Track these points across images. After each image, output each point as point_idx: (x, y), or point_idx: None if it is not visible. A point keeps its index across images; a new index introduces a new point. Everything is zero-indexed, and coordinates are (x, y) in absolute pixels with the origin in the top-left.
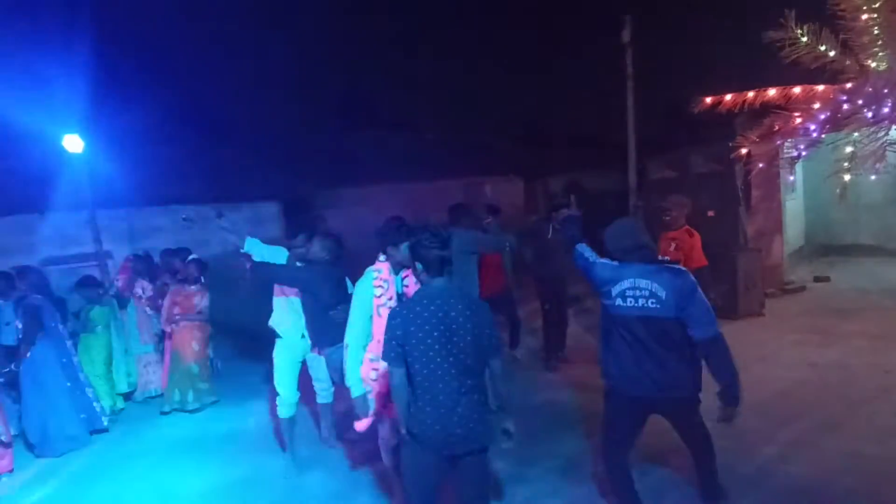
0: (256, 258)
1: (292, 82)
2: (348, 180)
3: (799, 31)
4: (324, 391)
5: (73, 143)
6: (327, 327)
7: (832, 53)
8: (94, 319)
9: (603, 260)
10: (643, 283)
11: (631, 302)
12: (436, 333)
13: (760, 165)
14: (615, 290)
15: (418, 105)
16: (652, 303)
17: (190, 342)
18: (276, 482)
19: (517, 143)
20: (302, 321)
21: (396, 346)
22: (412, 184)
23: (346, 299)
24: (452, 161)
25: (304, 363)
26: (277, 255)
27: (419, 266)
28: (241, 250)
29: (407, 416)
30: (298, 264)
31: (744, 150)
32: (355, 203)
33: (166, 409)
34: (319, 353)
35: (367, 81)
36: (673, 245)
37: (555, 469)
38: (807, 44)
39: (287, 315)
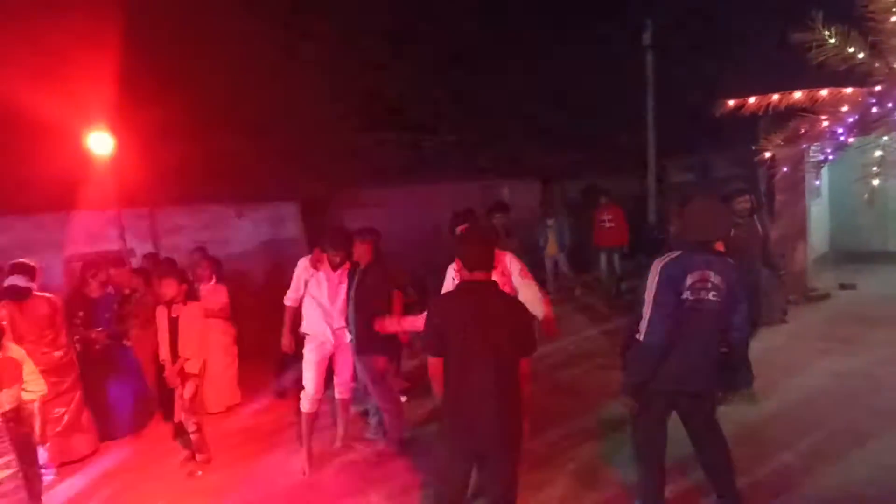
0: None
1: (313, 82)
2: (367, 181)
3: (826, 33)
4: (344, 385)
5: (101, 142)
6: (372, 334)
7: (861, 55)
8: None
9: (664, 263)
10: (710, 275)
11: (696, 295)
12: (471, 327)
13: (785, 169)
14: (685, 285)
15: (437, 107)
16: (713, 295)
17: (213, 341)
18: (291, 478)
19: (535, 146)
20: (329, 320)
21: (434, 336)
22: (430, 185)
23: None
24: (470, 163)
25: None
26: None
27: (460, 261)
28: None
29: (442, 407)
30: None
31: (767, 154)
32: (374, 204)
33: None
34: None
35: (387, 83)
36: None
37: (572, 473)
38: (835, 46)
39: (314, 312)
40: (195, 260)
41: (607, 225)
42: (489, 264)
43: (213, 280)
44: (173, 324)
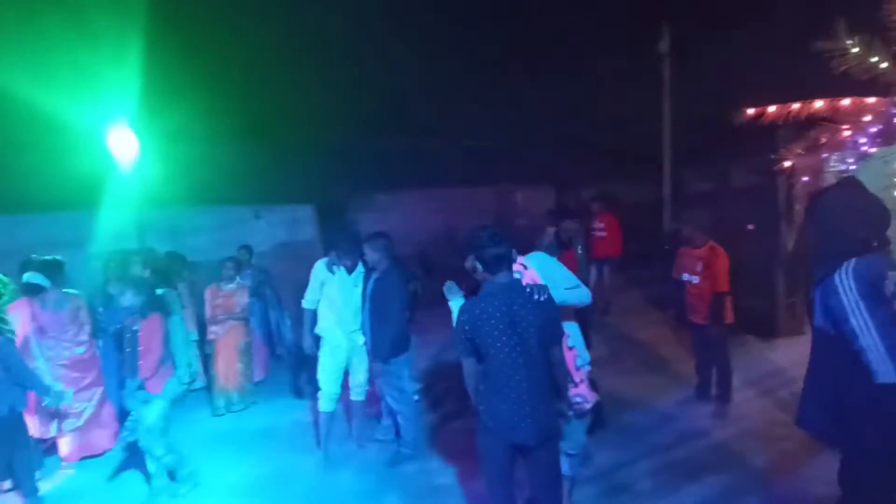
0: None
1: (329, 85)
2: (382, 185)
3: (849, 42)
4: (359, 387)
5: (126, 142)
6: (385, 339)
7: (884, 65)
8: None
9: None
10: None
11: None
12: (501, 326)
13: (805, 179)
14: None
15: (452, 112)
16: None
17: (236, 342)
18: (308, 479)
19: (550, 152)
20: (344, 323)
21: (465, 340)
22: (445, 189)
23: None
24: (485, 168)
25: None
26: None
27: (479, 266)
28: None
29: (479, 406)
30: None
31: (787, 164)
32: (389, 208)
33: (221, 412)
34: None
35: (402, 87)
36: (700, 264)
37: (594, 482)
38: (857, 55)
39: (329, 315)
40: (224, 259)
41: (599, 234)
42: (509, 264)
43: (237, 281)
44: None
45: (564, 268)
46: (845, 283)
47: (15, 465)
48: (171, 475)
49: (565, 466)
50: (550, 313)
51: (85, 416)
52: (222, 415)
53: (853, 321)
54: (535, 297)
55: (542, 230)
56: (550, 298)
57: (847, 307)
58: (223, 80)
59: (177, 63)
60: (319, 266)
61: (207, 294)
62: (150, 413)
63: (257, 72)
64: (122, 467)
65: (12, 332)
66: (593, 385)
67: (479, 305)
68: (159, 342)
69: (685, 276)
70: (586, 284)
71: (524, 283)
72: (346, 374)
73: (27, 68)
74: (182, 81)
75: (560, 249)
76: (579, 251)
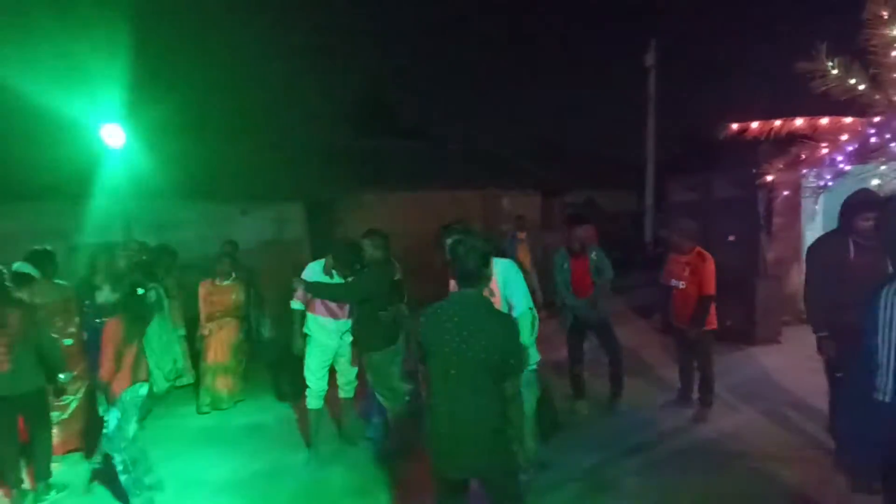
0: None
1: (318, 84)
2: (370, 186)
3: (830, 64)
4: (347, 386)
5: (113, 135)
6: (374, 331)
7: (861, 87)
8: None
9: None
10: None
11: None
12: (452, 346)
13: (785, 193)
14: None
15: (441, 115)
16: None
17: (229, 339)
18: (298, 476)
19: (536, 159)
20: (330, 322)
21: (419, 345)
22: (432, 193)
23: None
24: (472, 173)
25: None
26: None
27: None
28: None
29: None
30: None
31: (768, 178)
32: (376, 209)
33: (206, 410)
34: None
35: (391, 88)
36: (687, 270)
37: (579, 481)
38: (837, 76)
39: (320, 313)
40: (220, 255)
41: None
42: (481, 279)
43: (233, 277)
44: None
45: (524, 284)
46: (889, 299)
47: (35, 444)
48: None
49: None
50: (507, 338)
51: (71, 408)
52: (207, 412)
53: (879, 337)
54: (498, 323)
55: (511, 235)
56: (514, 328)
57: (880, 322)
58: (212, 76)
59: (166, 57)
60: (315, 269)
61: (201, 290)
62: (109, 420)
63: (246, 70)
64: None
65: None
66: (545, 388)
67: (435, 316)
68: (112, 347)
69: (673, 282)
70: (605, 293)
71: (490, 302)
72: (334, 372)
73: (12, 57)
74: (171, 76)
75: (570, 257)
76: (593, 256)
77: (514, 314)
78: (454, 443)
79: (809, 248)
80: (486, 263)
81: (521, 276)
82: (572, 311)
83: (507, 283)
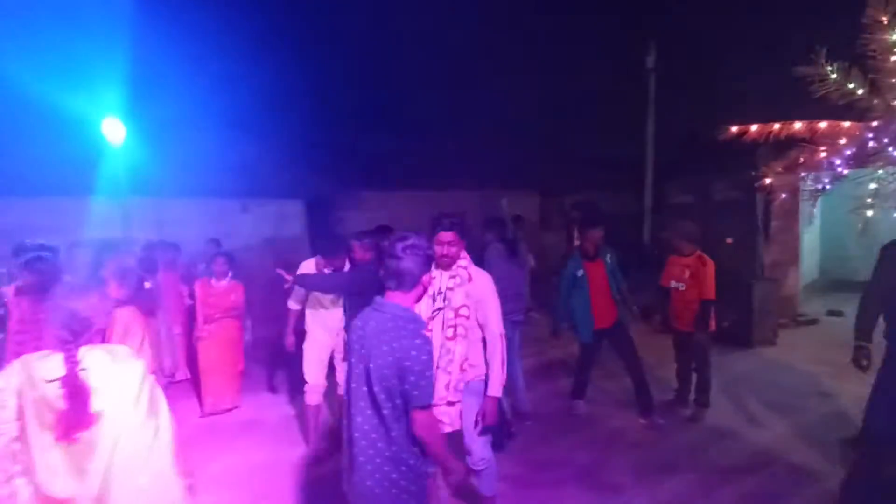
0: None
1: (319, 82)
2: (370, 184)
3: (829, 69)
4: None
5: (114, 131)
6: None
7: (860, 92)
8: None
9: None
10: None
11: None
12: (361, 366)
13: (783, 196)
14: None
15: (440, 114)
16: None
17: (227, 339)
18: (294, 471)
19: (536, 159)
20: (328, 318)
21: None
22: (431, 192)
23: None
24: (471, 172)
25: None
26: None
27: None
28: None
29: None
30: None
31: (767, 181)
32: (376, 207)
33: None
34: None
35: (390, 86)
36: (687, 272)
37: (568, 476)
38: (836, 81)
39: (316, 311)
40: (210, 254)
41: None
42: (410, 284)
43: (229, 277)
44: None
45: (499, 307)
46: None
47: None
48: None
49: (482, 486)
50: (415, 359)
51: None
52: (209, 413)
53: None
54: (410, 346)
55: (490, 241)
56: (428, 343)
57: None
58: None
59: (166, 52)
60: (307, 265)
61: (198, 290)
62: None
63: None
64: None
65: None
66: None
67: (356, 324)
68: (134, 335)
69: (673, 284)
70: (625, 299)
71: (413, 318)
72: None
73: (10, 51)
74: (171, 71)
75: (584, 261)
76: (608, 260)
77: (487, 338)
78: (355, 480)
79: (884, 249)
80: (427, 269)
81: (496, 297)
82: (586, 349)
83: (481, 303)
